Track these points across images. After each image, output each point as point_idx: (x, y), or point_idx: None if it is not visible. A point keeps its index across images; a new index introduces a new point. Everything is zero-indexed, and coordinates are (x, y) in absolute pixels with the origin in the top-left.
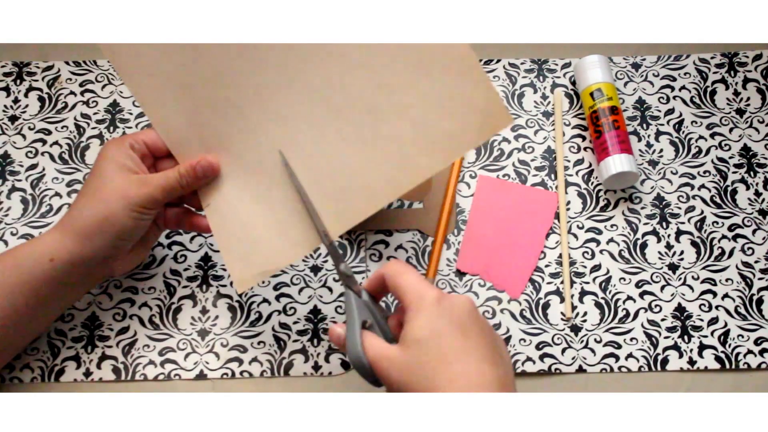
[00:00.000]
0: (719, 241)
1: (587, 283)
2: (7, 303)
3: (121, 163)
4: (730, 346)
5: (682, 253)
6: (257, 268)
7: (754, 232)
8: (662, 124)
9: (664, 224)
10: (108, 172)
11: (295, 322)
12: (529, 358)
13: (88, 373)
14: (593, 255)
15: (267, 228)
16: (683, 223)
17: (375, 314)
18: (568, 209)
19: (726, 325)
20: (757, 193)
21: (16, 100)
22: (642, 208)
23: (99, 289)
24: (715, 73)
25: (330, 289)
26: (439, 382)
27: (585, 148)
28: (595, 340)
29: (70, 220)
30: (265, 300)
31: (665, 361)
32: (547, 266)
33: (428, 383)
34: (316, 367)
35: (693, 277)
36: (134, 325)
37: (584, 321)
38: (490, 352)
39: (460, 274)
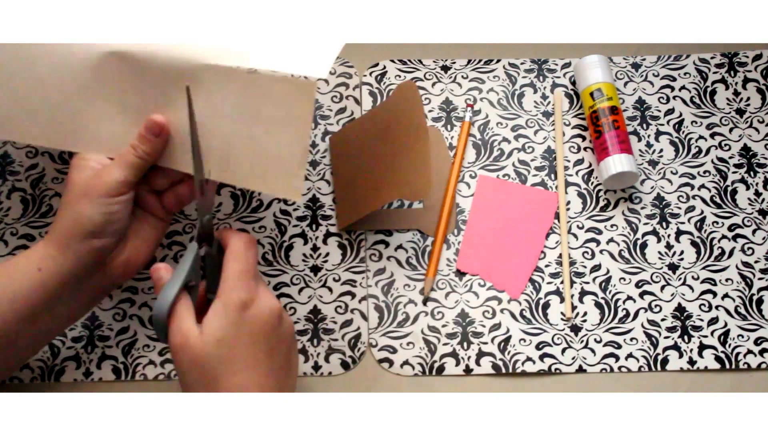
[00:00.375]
0: (719, 241)
1: (587, 283)
2: None
3: (84, 165)
4: (730, 346)
5: (682, 253)
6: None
7: (754, 232)
8: (662, 124)
9: (664, 224)
10: (71, 176)
11: (294, 322)
12: (529, 358)
13: (88, 373)
14: (593, 255)
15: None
16: (683, 223)
17: (211, 274)
18: (568, 209)
19: (726, 325)
20: (757, 193)
21: None
22: (642, 208)
23: None
24: (715, 73)
25: (330, 289)
26: (220, 387)
27: (585, 148)
28: (595, 340)
29: (51, 230)
30: None
31: (665, 361)
32: (547, 266)
33: (209, 385)
34: (316, 367)
35: (693, 277)
36: (134, 325)
37: (584, 321)
38: (278, 366)
39: (460, 274)
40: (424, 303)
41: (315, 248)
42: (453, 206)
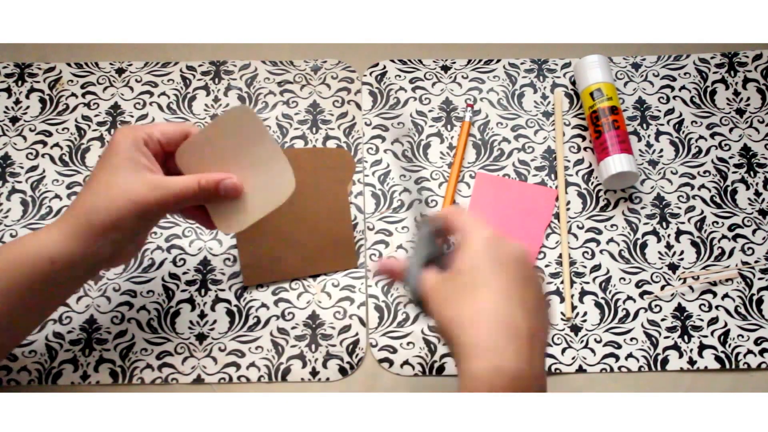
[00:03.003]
0: (719, 241)
1: (587, 283)
2: (2, 304)
3: (135, 160)
4: (730, 346)
5: (682, 253)
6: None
7: (754, 232)
8: (662, 124)
9: (664, 224)
10: (120, 168)
11: (293, 327)
12: None
13: (85, 376)
14: (593, 255)
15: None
16: (683, 223)
17: (438, 249)
18: (568, 209)
19: (726, 325)
20: (757, 193)
21: (17, 102)
22: (642, 208)
23: (98, 293)
24: (715, 73)
25: (329, 295)
26: (463, 311)
27: (585, 148)
28: (595, 340)
29: (74, 218)
30: (263, 305)
31: (665, 361)
32: (547, 266)
33: (454, 312)
34: (314, 372)
35: (692, 276)
36: (132, 329)
37: (584, 321)
38: (518, 296)
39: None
40: None
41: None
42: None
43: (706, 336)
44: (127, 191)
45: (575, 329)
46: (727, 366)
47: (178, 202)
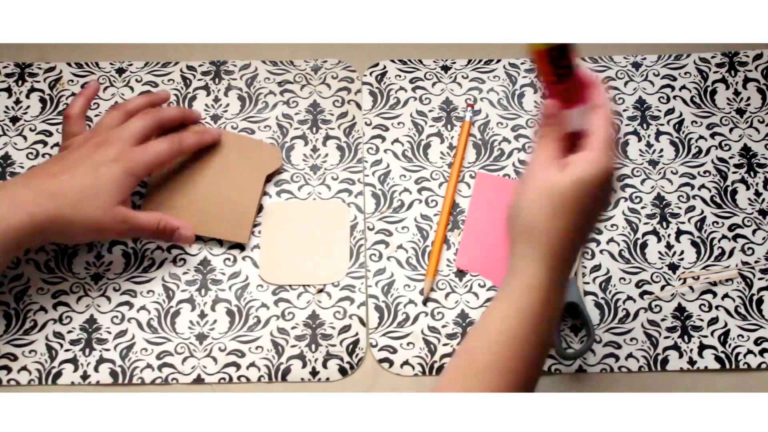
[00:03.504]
0: (719, 241)
1: (587, 283)
2: None
3: (122, 199)
4: (730, 346)
5: (682, 253)
6: None
7: (754, 232)
8: (662, 124)
9: (664, 224)
10: (105, 200)
11: (293, 327)
12: None
13: (85, 376)
14: (593, 255)
15: None
16: (683, 223)
17: None
18: None
19: (726, 325)
20: (757, 193)
21: (17, 101)
22: (642, 207)
23: (98, 292)
24: (715, 72)
25: (329, 295)
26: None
27: None
28: (595, 340)
29: (43, 208)
30: (263, 305)
31: (665, 361)
32: None
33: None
34: (314, 372)
35: (692, 277)
36: (132, 329)
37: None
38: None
39: (460, 273)
40: (424, 303)
41: None
42: (452, 206)
43: (706, 336)
44: (101, 221)
45: (575, 329)
46: (727, 366)
47: (135, 235)
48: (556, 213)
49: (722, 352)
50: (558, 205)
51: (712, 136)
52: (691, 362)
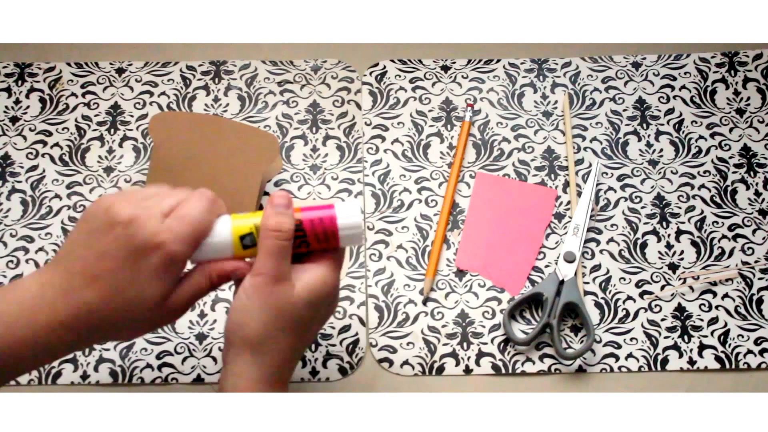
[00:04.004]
0: (719, 240)
1: (587, 283)
2: None
3: (167, 292)
4: (730, 346)
5: (682, 252)
6: None
7: (754, 232)
8: (662, 124)
9: (664, 224)
10: (150, 302)
11: None
12: (528, 359)
13: (85, 376)
14: (593, 255)
15: None
16: (683, 222)
17: None
18: (568, 208)
19: (726, 325)
20: (757, 193)
21: (17, 101)
22: (642, 207)
23: None
24: (715, 72)
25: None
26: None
27: (585, 148)
28: (595, 340)
29: (76, 318)
30: None
31: (665, 361)
32: (547, 267)
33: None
34: (314, 372)
35: (692, 276)
36: None
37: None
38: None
39: (460, 274)
40: (424, 303)
41: None
42: (452, 206)
43: (706, 336)
44: (146, 322)
45: (575, 329)
46: (727, 366)
47: (192, 303)
48: (285, 329)
49: (722, 352)
50: (289, 322)
51: (712, 136)
52: (691, 362)
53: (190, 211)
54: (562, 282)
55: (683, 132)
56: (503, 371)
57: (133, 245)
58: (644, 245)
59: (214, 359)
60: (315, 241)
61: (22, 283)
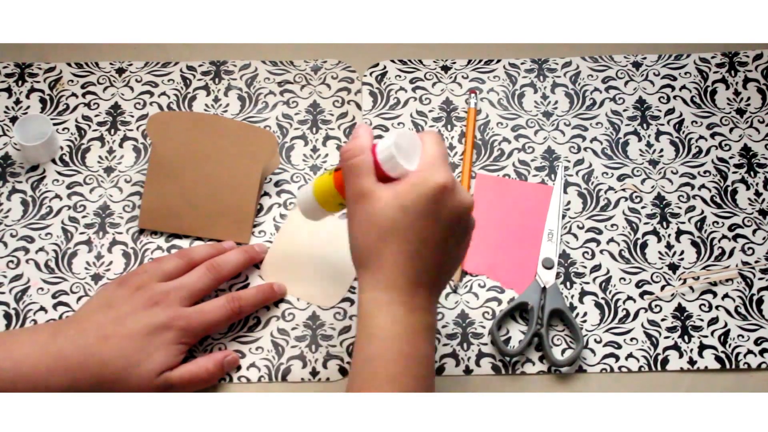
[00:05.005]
0: (719, 241)
1: (587, 283)
2: None
3: (172, 365)
4: (730, 346)
5: (682, 253)
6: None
7: (754, 232)
8: (662, 124)
9: (664, 224)
10: (154, 368)
11: (293, 328)
12: (528, 359)
13: None
14: (593, 255)
15: None
16: (683, 222)
17: None
18: (568, 208)
19: (726, 325)
20: (757, 193)
21: (17, 102)
22: (642, 207)
23: None
24: (715, 72)
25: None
26: (377, 262)
27: (585, 149)
28: (595, 340)
29: (83, 372)
30: (264, 306)
31: (665, 361)
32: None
33: (372, 253)
34: (314, 373)
35: (693, 277)
36: None
37: (584, 321)
38: (431, 264)
39: (462, 273)
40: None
41: None
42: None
43: (706, 336)
44: (137, 388)
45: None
46: (727, 366)
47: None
48: (385, 238)
49: (722, 352)
50: (386, 230)
51: (712, 136)
52: (691, 362)
53: (209, 314)
54: (544, 289)
55: (683, 132)
56: (503, 371)
57: (152, 324)
58: (644, 245)
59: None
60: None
61: (34, 330)
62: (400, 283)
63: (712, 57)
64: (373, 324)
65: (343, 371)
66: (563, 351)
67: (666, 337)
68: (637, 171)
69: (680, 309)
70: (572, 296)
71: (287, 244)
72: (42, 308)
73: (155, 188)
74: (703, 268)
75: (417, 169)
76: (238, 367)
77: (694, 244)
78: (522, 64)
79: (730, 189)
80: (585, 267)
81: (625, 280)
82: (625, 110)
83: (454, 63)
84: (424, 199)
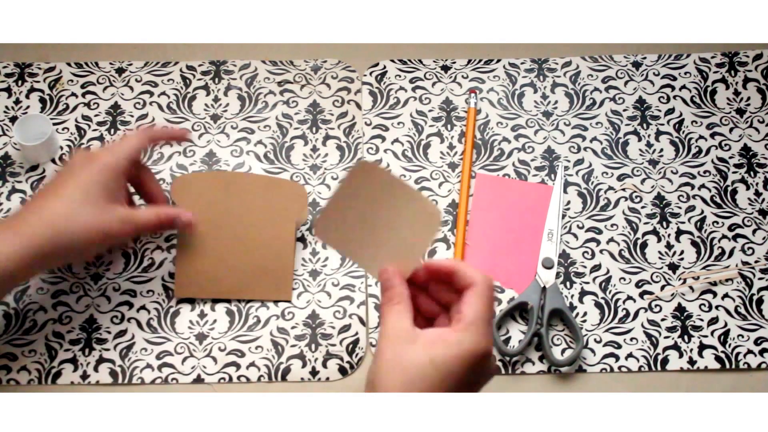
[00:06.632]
0: (719, 240)
1: (587, 283)
2: None
3: (112, 193)
4: (730, 346)
5: (682, 252)
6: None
7: (754, 232)
8: (662, 124)
9: (664, 224)
10: (98, 198)
11: (293, 327)
12: (528, 359)
13: (85, 376)
14: (593, 255)
15: None
16: (683, 222)
17: None
18: (568, 208)
19: (726, 325)
20: (757, 193)
21: (17, 101)
22: (642, 207)
23: (98, 292)
24: (715, 72)
25: (329, 294)
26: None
27: (585, 149)
28: (595, 340)
29: (39, 236)
30: (263, 305)
31: (665, 361)
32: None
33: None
34: (314, 372)
35: (692, 277)
36: (132, 328)
37: (584, 321)
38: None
39: None
40: None
41: (314, 252)
42: (466, 213)
43: (706, 336)
44: (101, 223)
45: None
46: (727, 366)
47: (139, 233)
48: (405, 386)
49: (722, 352)
50: (410, 380)
51: (712, 136)
52: (691, 362)
53: (127, 140)
54: (544, 289)
55: (683, 132)
56: (503, 372)
57: (76, 163)
58: (644, 245)
59: (214, 359)
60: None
61: None
62: None
63: (712, 57)
64: None
65: (342, 371)
66: (563, 351)
67: (666, 337)
68: (637, 171)
69: (680, 309)
70: (572, 296)
71: (349, 200)
72: (42, 308)
73: (187, 255)
74: (703, 268)
75: (458, 327)
76: (238, 367)
77: (694, 244)
78: (522, 63)
79: (730, 189)
80: (585, 267)
81: (625, 279)
82: (625, 110)
83: (454, 63)
84: (459, 361)
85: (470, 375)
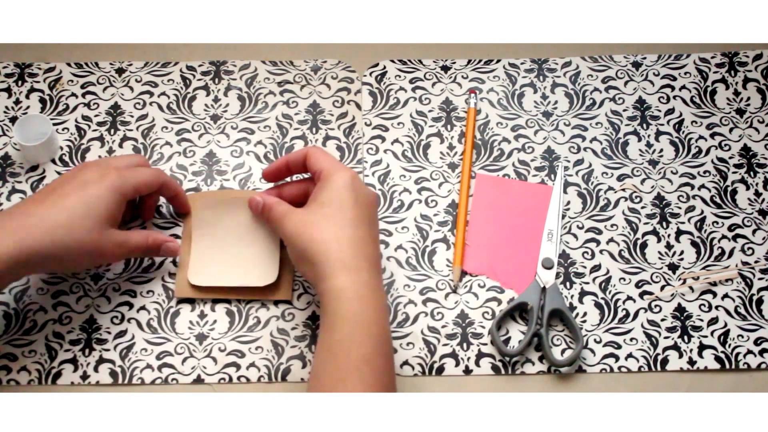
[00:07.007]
0: (719, 241)
1: (587, 283)
2: None
3: (113, 216)
4: (730, 346)
5: (682, 253)
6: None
7: (754, 232)
8: (662, 124)
9: (664, 224)
10: (101, 220)
11: (293, 328)
12: (528, 360)
13: (85, 377)
14: (593, 255)
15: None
16: (683, 223)
17: None
18: (568, 209)
19: (726, 325)
20: (757, 193)
21: (17, 101)
22: (642, 207)
23: (98, 293)
24: (715, 72)
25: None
26: (327, 235)
27: (585, 149)
28: (595, 340)
29: (37, 242)
30: (263, 305)
31: (665, 361)
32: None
33: (318, 235)
34: None
35: (692, 277)
36: (132, 329)
37: (584, 321)
38: (369, 229)
39: (462, 273)
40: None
41: None
42: (466, 211)
43: (706, 336)
44: (97, 242)
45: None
46: (727, 366)
47: (130, 255)
48: (319, 229)
49: (722, 352)
50: (317, 224)
51: (712, 136)
52: (691, 362)
53: (142, 171)
54: (544, 289)
55: (683, 132)
56: (503, 372)
57: (86, 176)
58: (644, 245)
59: (214, 359)
60: None
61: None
62: (357, 264)
63: (712, 57)
64: (341, 308)
65: None
66: (563, 351)
67: (666, 337)
68: (637, 171)
69: (680, 309)
70: (572, 296)
71: (204, 244)
72: (42, 308)
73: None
74: (703, 268)
75: (324, 174)
76: (238, 367)
77: (693, 244)
78: (522, 64)
79: (729, 189)
80: (585, 267)
81: (624, 280)
82: (624, 110)
83: (454, 63)
84: (341, 187)
85: (358, 196)
